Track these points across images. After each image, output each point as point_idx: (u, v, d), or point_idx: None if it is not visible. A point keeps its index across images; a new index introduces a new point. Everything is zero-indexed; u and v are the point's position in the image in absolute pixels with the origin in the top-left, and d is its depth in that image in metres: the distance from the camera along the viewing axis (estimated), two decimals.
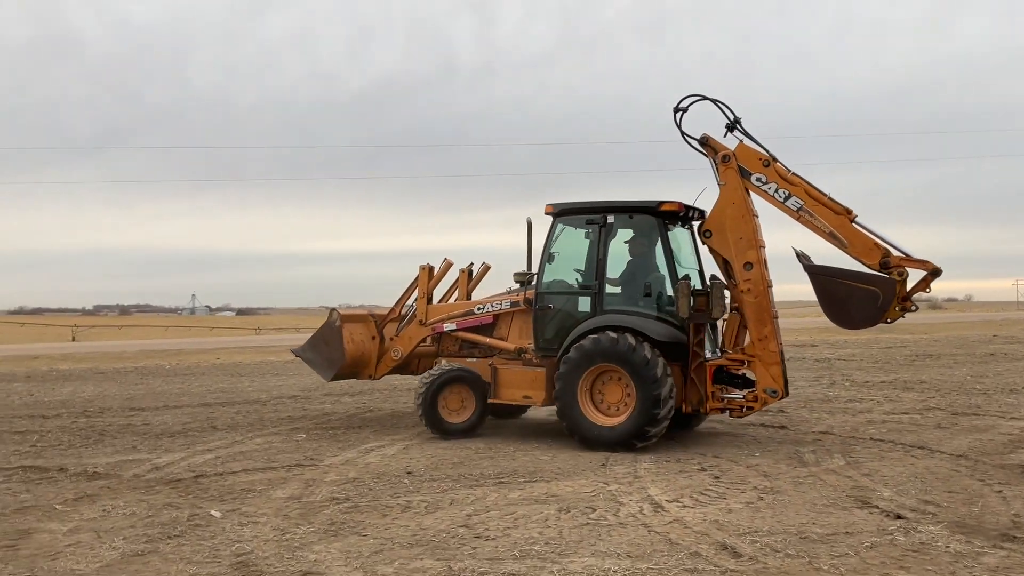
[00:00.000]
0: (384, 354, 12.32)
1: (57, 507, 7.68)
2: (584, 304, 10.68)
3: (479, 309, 11.79)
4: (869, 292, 9.62)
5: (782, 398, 10.14)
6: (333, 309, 12.21)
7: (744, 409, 10.21)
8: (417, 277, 12.31)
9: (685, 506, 7.34)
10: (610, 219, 10.60)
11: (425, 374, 11.29)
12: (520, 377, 10.95)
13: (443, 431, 11.01)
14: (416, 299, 12.30)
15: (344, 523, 6.99)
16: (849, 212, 9.89)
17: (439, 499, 7.78)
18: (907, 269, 9.73)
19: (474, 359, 11.68)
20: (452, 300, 12.44)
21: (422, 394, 10.98)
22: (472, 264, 12.54)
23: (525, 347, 11.14)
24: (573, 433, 10.17)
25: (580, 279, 10.85)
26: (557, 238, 10.98)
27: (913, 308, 9.97)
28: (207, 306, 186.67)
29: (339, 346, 11.92)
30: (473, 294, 12.45)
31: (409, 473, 8.94)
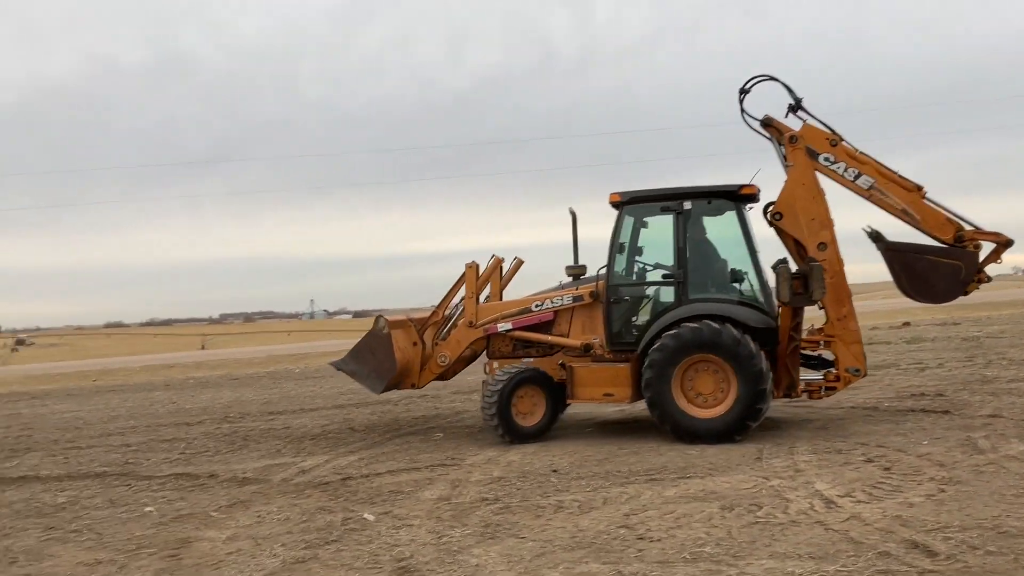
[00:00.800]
0: (428, 360, 11.49)
1: (213, 514, 7.75)
2: (667, 294, 10.32)
3: (537, 306, 11.08)
4: (952, 266, 9.76)
5: (863, 376, 10.16)
6: (379, 316, 11.49)
7: (824, 390, 10.13)
8: (462, 277, 11.51)
9: (860, 501, 6.82)
10: (687, 205, 10.19)
11: (491, 378, 10.71)
12: (600, 374, 10.40)
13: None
14: (462, 300, 11.51)
15: (499, 525, 6.79)
16: (920, 188, 9.93)
17: (591, 498, 7.50)
18: (981, 242, 9.85)
19: (530, 359, 11.06)
20: (481, 299, 11.61)
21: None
22: (502, 260, 11.68)
23: (591, 342, 10.70)
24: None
25: (650, 268, 10.58)
26: (627, 228, 10.55)
27: (987, 279, 10.03)
28: (325, 310, 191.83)
29: (389, 355, 11.12)
30: (505, 291, 11.75)
31: (555, 471, 8.70)
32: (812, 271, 9.63)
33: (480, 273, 11.47)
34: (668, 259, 10.40)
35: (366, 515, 7.34)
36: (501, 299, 11.52)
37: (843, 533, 6.00)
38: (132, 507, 8.26)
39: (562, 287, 11.26)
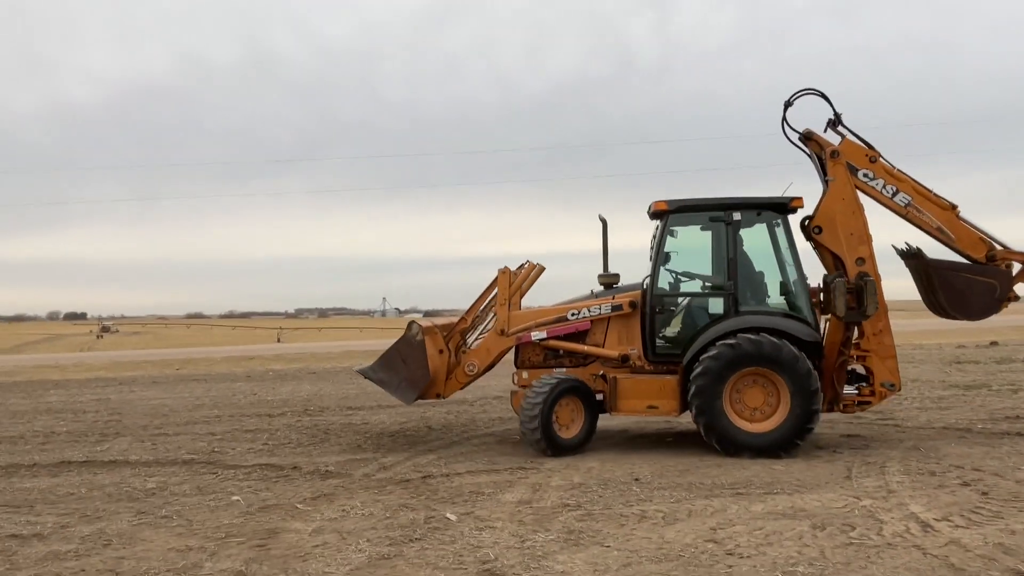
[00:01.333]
0: (454, 369, 10.92)
1: (298, 506, 7.86)
2: (715, 305, 10.17)
3: (573, 315, 10.69)
4: (988, 284, 10.00)
5: (898, 391, 10.26)
6: (413, 321, 10.95)
7: (858, 404, 10.18)
8: (493, 283, 11.02)
9: (958, 526, 6.57)
10: (736, 216, 10.06)
11: (530, 390, 10.15)
12: (645, 386, 10.17)
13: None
14: (488, 307, 11.06)
15: (582, 532, 6.73)
16: (954, 207, 10.17)
17: (675, 509, 7.38)
18: (1013, 262, 10.13)
19: (563, 369, 10.67)
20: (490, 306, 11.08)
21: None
22: (523, 265, 11.09)
23: (628, 353, 10.42)
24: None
25: (684, 279, 10.50)
26: (671, 237, 10.35)
27: (1016, 298, 10.19)
28: (396, 308, 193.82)
29: (422, 363, 10.58)
30: (524, 299, 11.06)
31: (636, 480, 8.60)
32: (866, 286, 9.69)
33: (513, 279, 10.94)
34: (705, 268, 10.36)
35: (448, 515, 7.35)
36: (520, 307, 10.98)
37: (943, 559, 5.78)
38: (219, 495, 8.44)
39: (595, 296, 10.91)
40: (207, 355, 39.58)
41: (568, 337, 10.73)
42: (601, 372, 10.50)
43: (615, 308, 10.62)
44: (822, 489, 7.96)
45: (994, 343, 28.29)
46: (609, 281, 10.96)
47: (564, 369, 10.70)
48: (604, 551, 6.23)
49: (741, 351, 9.54)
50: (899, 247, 10.58)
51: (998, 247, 10.15)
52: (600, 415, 10.49)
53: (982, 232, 10.20)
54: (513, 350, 11.05)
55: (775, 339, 9.53)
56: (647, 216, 10.93)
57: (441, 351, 10.89)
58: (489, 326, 11.05)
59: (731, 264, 10.05)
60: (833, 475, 8.56)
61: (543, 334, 10.72)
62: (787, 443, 9.53)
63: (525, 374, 10.84)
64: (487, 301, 11.20)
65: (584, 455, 10.04)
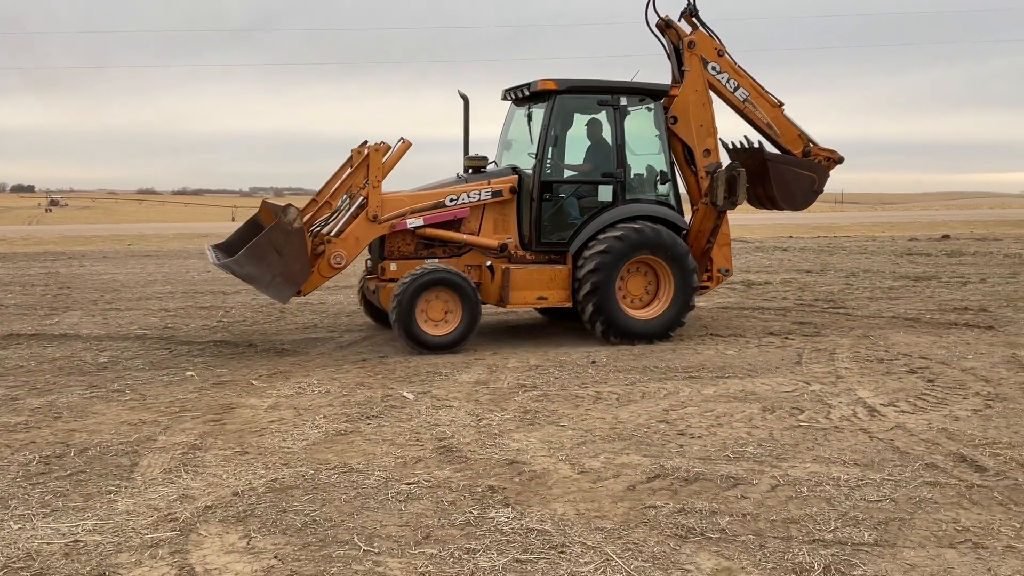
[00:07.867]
0: (317, 261, 9.41)
1: (254, 382, 7.84)
2: (605, 193, 10.02)
3: (452, 200, 9.79)
4: (809, 177, 10.66)
5: (730, 276, 11.14)
6: (289, 205, 9.16)
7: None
8: (351, 160, 9.66)
9: (904, 411, 6.75)
10: (623, 101, 9.98)
11: (398, 285, 9.23)
12: (537, 277, 9.70)
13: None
14: (361, 189, 9.53)
15: (538, 412, 6.81)
16: (781, 104, 10.74)
17: (629, 391, 7.49)
18: (824, 157, 10.86)
19: (435, 260, 9.72)
20: (341, 187, 9.66)
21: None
22: (380, 143, 9.59)
23: (506, 242, 9.91)
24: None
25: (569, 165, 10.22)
26: (559, 119, 10.01)
27: (821, 192, 10.98)
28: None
29: (302, 254, 9.09)
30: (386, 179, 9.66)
31: (593, 362, 8.68)
32: (739, 176, 9.78)
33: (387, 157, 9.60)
34: (584, 154, 10.31)
35: (405, 393, 7.38)
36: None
37: (888, 442, 5.94)
38: (173, 371, 8.37)
39: (465, 180, 10.09)
40: (159, 231, 38.85)
41: (444, 224, 9.87)
42: (489, 263, 9.84)
43: (495, 194, 9.93)
44: (772, 374, 8.11)
45: (946, 236, 28.77)
46: (478, 164, 10.34)
47: (436, 260, 9.77)
48: (559, 430, 6.31)
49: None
50: (728, 143, 10.95)
51: (811, 145, 10.75)
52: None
53: (800, 129, 10.76)
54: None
55: (653, 225, 9.71)
56: (508, 98, 10.72)
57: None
58: (346, 211, 9.63)
59: (620, 151, 9.92)
60: (784, 360, 8.72)
61: (420, 221, 9.69)
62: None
63: (394, 266, 9.73)
64: (338, 182, 9.73)
65: (540, 339, 10.10)
